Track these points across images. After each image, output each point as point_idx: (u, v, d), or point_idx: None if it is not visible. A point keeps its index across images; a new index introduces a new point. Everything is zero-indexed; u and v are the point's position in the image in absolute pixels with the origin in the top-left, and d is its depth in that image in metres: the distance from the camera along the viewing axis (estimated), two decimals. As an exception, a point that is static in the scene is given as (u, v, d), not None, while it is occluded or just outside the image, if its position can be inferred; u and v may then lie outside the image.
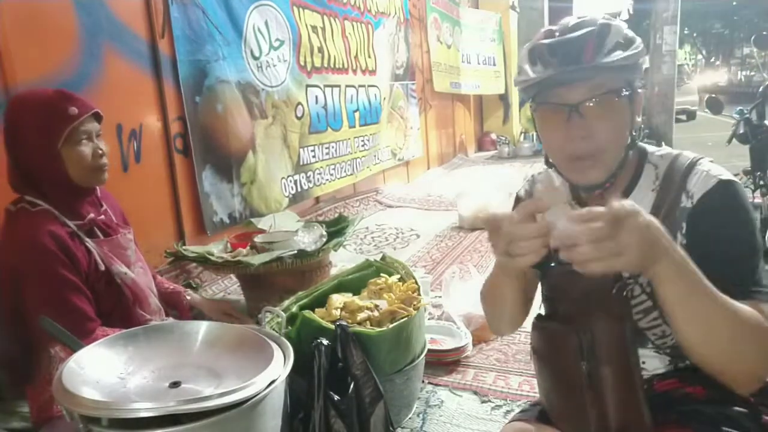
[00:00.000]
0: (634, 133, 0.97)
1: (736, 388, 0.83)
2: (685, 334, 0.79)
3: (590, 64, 0.91)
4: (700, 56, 37.85)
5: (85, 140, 1.46)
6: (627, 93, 0.94)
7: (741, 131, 4.11)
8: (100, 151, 1.49)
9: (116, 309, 1.52)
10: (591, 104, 0.93)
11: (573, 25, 0.95)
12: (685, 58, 32.54)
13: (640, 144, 1.01)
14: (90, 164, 1.47)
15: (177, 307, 1.81)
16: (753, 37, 4.12)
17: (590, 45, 0.92)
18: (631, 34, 0.95)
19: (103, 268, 1.48)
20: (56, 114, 1.41)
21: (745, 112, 4.16)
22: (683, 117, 13.65)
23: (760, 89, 4.06)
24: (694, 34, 33.81)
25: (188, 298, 1.85)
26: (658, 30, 7.85)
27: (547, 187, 0.82)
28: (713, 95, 4.44)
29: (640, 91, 0.97)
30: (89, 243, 1.47)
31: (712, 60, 37.03)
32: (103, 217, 1.57)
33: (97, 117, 1.51)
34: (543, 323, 0.98)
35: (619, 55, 0.91)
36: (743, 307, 0.80)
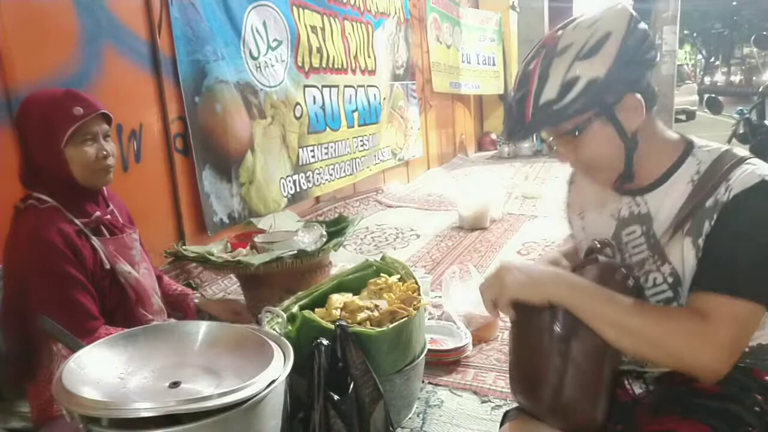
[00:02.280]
0: (630, 136, 0.96)
1: (700, 379, 0.89)
2: (605, 337, 0.89)
3: (528, 125, 0.97)
4: (700, 56, 37.85)
5: (90, 141, 1.46)
6: (596, 118, 0.94)
7: (741, 131, 4.12)
8: (105, 152, 1.48)
9: (119, 308, 1.53)
10: (559, 142, 1.00)
11: (516, 83, 0.99)
12: (685, 58, 32.52)
13: (688, 136, 1.01)
14: (93, 165, 1.47)
15: (183, 310, 1.80)
16: (753, 37, 4.14)
17: (527, 105, 0.95)
18: (578, 69, 0.92)
19: (108, 266, 1.48)
20: (61, 113, 1.42)
21: (745, 112, 4.18)
22: (683, 117, 13.65)
23: (760, 89, 4.07)
24: (694, 34, 33.80)
25: (196, 301, 1.85)
26: (658, 30, 7.85)
27: None
28: (713, 95, 4.45)
29: (621, 102, 0.94)
30: (95, 241, 1.48)
31: (712, 60, 37.03)
32: (109, 216, 1.57)
33: (107, 118, 1.51)
34: None
35: (561, 103, 0.93)
36: (652, 308, 0.92)
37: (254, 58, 3.52)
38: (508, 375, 1.05)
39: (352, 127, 4.84)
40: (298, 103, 4.00)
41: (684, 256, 0.94)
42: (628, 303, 0.90)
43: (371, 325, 1.68)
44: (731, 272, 0.88)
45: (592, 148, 0.97)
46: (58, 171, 1.44)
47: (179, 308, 1.80)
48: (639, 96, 0.94)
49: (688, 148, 0.99)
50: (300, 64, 4.05)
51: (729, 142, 4.21)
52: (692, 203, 0.92)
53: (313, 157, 4.23)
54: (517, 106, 0.97)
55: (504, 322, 2.43)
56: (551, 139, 1.01)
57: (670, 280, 0.97)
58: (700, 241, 0.91)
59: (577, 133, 0.96)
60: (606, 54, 0.91)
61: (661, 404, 0.94)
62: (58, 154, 1.42)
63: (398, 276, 1.96)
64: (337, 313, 1.71)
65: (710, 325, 0.85)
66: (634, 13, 0.95)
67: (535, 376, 0.94)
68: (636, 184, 1.02)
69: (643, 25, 0.95)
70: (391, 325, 1.64)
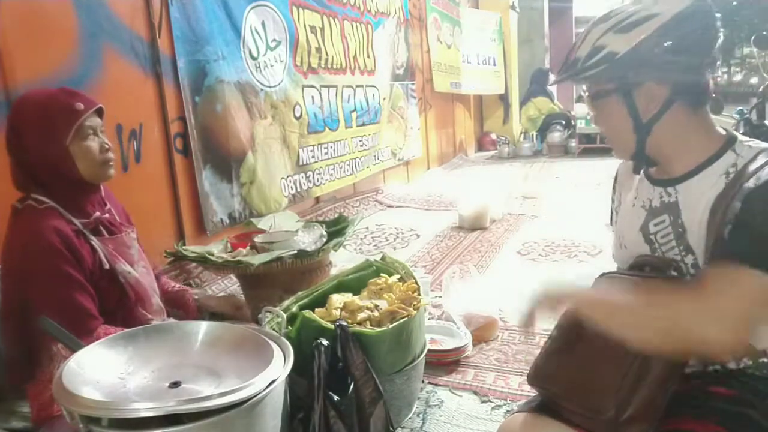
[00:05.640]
0: (644, 122, 0.99)
1: (716, 359, 0.90)
2: (629, 341, 0.89)
3: (560, 73, 1.05)
4: (699, 56, 37.72)
5: (92, 135, 1.47)
6: (612, 92, 0.99)
7: (741, 131, 4.11)
8: (107, 146, 1.51)
9: (118, 308, 1.53)
10: (587, 103, 1.06)
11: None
12: (685, 58, 32.33)
13: (733, 132, 1.01)
14: (99, 159, 1.48)
15: (184, 307, 1.80)
16: (753, 38, 4.12)
17: (571, 55, 1.02)
18: (606, 39, 0.96)
19: (107, 266, 1.48)
20: (63, 110, 1.42)
21: (745, 112, 4.18)
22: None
23: (760, 89, 4.07)
24: (694, 34, 33.67)
25: (195, 297, 1.85)
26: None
27: None
28: (713, 95, 4.44)
29: (641, 87, 0.97)
30: (94, 241, 1.48)
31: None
32: (107, 215, 1.57)
33: (99, 113, 1.52)
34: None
35: (584, 63, 0.99)
36: (665, 298, 0.90)
37: (254, 58, 3.52)
38: (538, 373, 1.07)
39: (351, 127, 4.83)
40: (297, 103, 4.00)
41: (703, 247, 0.95)
42: (637, 304, 0.91)
43: (371, 325, 1.68)
44: (745, 244, 0.86)
45: (604, 120, 1.05)
46: (62, 168, 1.44)
47: (179, 305, 1.80)
48: (662, 87, 0.96)
49: (728, 142, 0.99)
50: (298, 65, 4.05)
51: None
52: (722, 202, 0.92)
53: (313, 157, 4.23)
54: (567, 53, 1.05)
55: (504, 322, 2.43)
56: (587, 97, 1.07)
57: (692, 271, 0.97)
58: (725, 230, 0.90)
59: (595, 99, 1.03)
60: (636, 34, 0.93)
61: (674, 405, 0.94)
62: (62, 151, 1.42)
63: (398, 276, 1.96)
64: (337, 313, 1.71)
65: (712, 297, 0.84)
66: (700, 7, 0.93)
67: (602, 389, 0.94)
68: (669, 174, 1.03)
69: (701, 24, 0.93)
70: (391, 325, 1.64)
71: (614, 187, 1.25)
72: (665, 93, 0.96)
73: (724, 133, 1.01)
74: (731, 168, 0.94)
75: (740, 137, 1.00)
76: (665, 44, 0.93)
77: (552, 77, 9.47)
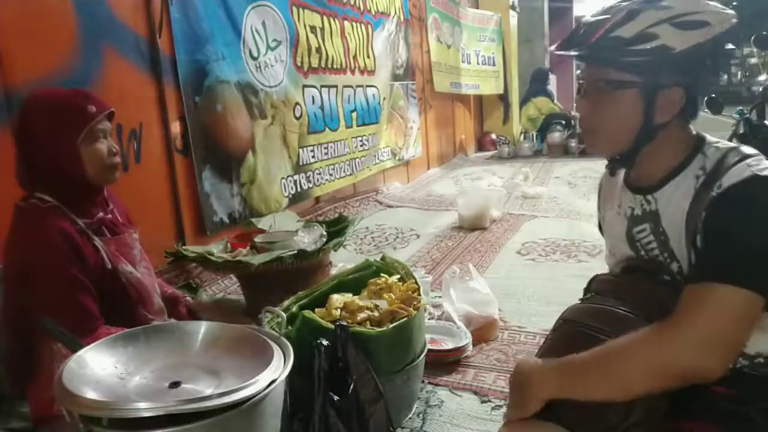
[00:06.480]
0: (653, 127, 0.96)
1: (705, 380, 0.84)
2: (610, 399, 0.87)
3: (587, 47, 0.96)
4: (699, 56, 37.73)
5: (102, 138, 1.48)
6: (635, 86, 0.94)
7: (741, 131, 4.12)
8: (115, 150, 1.52)
9: (120, 308, 1.53)
10: (590, 87, 0.99)
11: (603, 8, 0.97)
12: (685, 58, 32.32)
13: (701, 133, 1.00)
14: (107, 162, 1.50)
15: (174, 313, 1.80)
16: (753, 37, 4.11)
17: (600, 29, 0.94)
18: (662, 29, 0.91)
19: (109, 266, 1.49)
20: (76, 112, 1.43)
21: (745, 112, 4.18)
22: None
23: (760, 89, 4.07)
24: (694, 34, 33.72)
25: (188, 304, 1.85)
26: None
27: None
28: (713, 95, 4.44)
29: (668, 90, 0.95)
30: (97, 241, 1.48)
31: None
32: (110, 216, 1.58)
33: (109, 116, 1.53)
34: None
35: (628, 46, 0.92)
36: (624, 340, 0.87)
37: (254, 58, 3.52)
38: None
39: (351, 127, 4.84)
40: (297, 103, 4.00)
41: (685, 254, 0.95)
42: (605, 356, 0.88)
43: (371, 325, 1.68)
44: (710, 262, 0.87)
45: (612, 112, 0.97)
46: (70, 169, 1.45)
47: (171, 313, 1.80)
48: (684, 96, 0.94)
49: (698, 145, 0.98)
50: (299, 65, 4.05)
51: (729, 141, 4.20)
52: (697, 206, 0.92)
53: (313, 157, 4.23)
54: (589, 26, 0.97)
55: (504, 322, 2.43)
56: (587, 80, 1.01)
57: (678, 278, 0.98)
58: (697, 239, 0.91)
59: (611, 88, 0.96)
60: (692, 37, 0.90)
61: (675, 405, 0.93)
62: (73, 152, 1.43)
63: (398, 276, 1.96)
64: (337, 313, 1.71)
65: (691, 322, 0.82)
66: (736, 30, 0.93)
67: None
68: (645, 181, 1.03)
69: (731, 47, 0.96)
70: (391, 325, 1.64)
71: (599, 197, 1.24)
72: (683, 102, 0.95)
73: (693, 134, 1.00)
74: (700, 171, 0.94)
75: (708, 138, 0.99)
76: (711, 55, 0.93)
77: (552, 77, 9.48)
